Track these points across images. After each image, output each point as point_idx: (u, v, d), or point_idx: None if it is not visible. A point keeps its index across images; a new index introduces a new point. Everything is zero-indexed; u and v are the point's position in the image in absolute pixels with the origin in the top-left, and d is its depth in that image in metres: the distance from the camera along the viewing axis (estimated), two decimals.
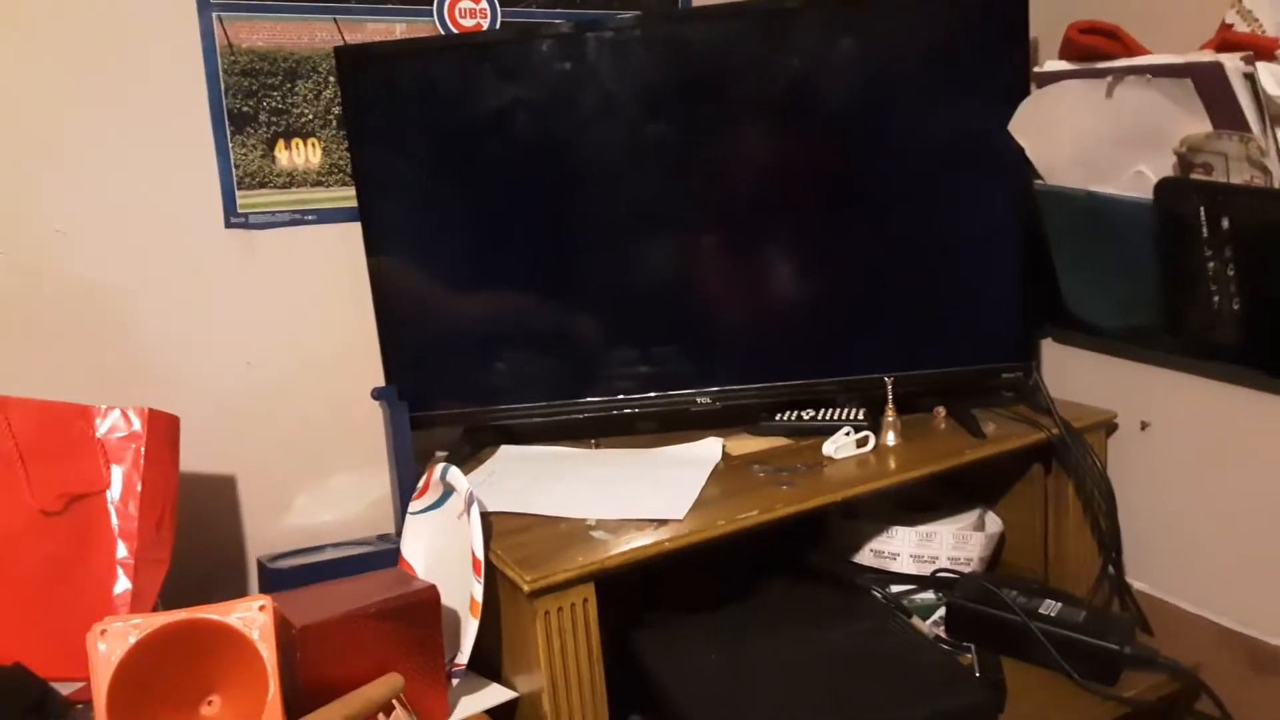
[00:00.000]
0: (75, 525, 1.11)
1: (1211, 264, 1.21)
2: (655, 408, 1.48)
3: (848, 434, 1.38)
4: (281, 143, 1.41)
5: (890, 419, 1.39)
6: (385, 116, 1.41)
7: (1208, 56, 1.14)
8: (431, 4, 1.48)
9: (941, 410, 1.48)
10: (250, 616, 0.96)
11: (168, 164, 1.33)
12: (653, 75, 1.41)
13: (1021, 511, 1.54)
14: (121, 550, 1.11)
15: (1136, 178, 1.27)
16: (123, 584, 1.10)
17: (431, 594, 1.09)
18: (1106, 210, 1.31)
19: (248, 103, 1.38)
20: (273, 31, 1.38)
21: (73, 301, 1.29)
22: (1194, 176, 1.20)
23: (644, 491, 1.27)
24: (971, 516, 1.50)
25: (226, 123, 1.37)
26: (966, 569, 1.44)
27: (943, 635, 1.38)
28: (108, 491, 1.13)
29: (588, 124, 1.42)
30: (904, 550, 1.43)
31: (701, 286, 1.49)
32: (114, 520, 1.12)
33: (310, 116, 1.42)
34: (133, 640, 0.92)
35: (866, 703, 1.16)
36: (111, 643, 0.92)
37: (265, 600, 0.96)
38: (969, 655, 1.34)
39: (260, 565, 1.33)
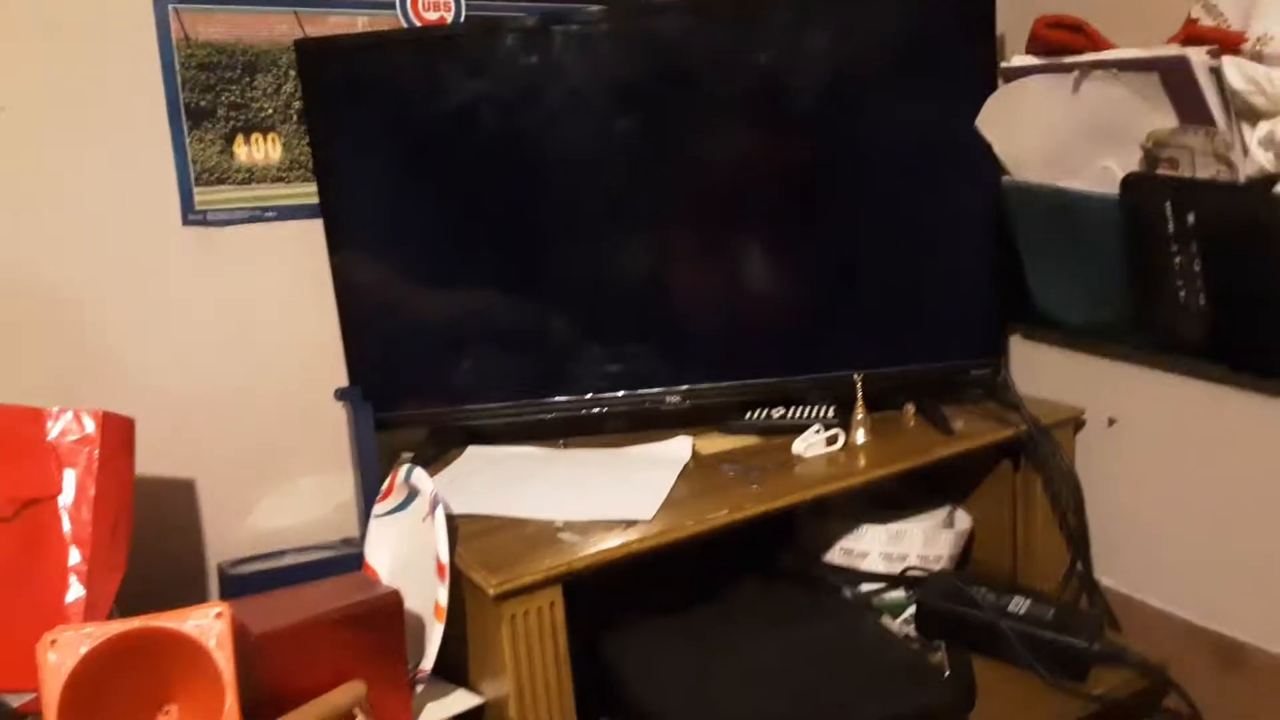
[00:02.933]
0: (26, 531, 1.07)
1: (1177, 259, 1.21)
2: (624, 407, 1.47)
3: (818, 432, 1.37)
4: (240, 138, 1.38)
5: (860, 416, 1.38)
6: (347, 111, 1.39)
7: (1174, 51, 1.14)
8: None
9: (911, 407, 1.47)
10: (206, 624, 0.93)
11: (122, 159, 1.30)
12: (620, 69, 1.40)
13: (990, 508, 1.54)
14: (74, 557, 1.08)
15: (1103, 173, 1.27)
16: (75, 591, 1.07)
17: (394, 599, 1.07)
18: (1073, 205, 1.31)
19: (205, 97, 1.35)
20: (231, 24, 1.35)
21: (22, 299, 1.25)
22: (1160, 171, 1.20)
23: (612, 492, 1.26)
24: (941, 514, 1.50)
25: (184, 117, 1.33)
26: (936, 567, 1.44)
27: (913, 634, 1.38)
28: (60, 497, 1.09)
29: (554, 118, 1.40)
30: (874, 549, 1.43)
31: (670, 284, 1.47)
32: (66, 526, 1.09)
33: (270, 111, 1.40)
34: (84, 650, 0.89)
35: (837, 702, 1.15)
36: (62, 652, 0.89)
37: (222, 607, 0.94)
38: (939, 653, 1.33)
39: (220, 571, 1.30)
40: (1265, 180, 1.10)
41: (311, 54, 1.37)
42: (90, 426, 1.12)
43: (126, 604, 1.10)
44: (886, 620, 1.38)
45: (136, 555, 1.13)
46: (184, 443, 1.36)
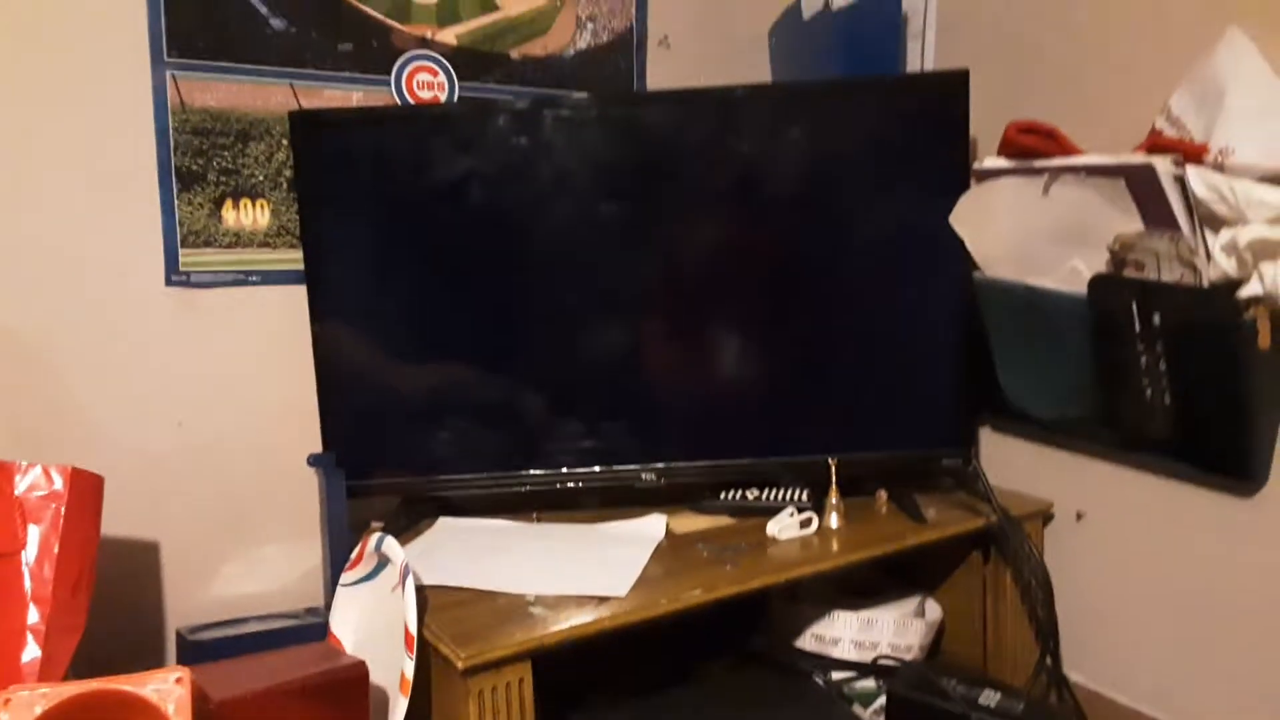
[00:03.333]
0: None
1: (1143, 358, 1.25)
2: (599, 483, 1.46)
3: (791, 515, 1.38)
4: (230, 202, 1.39)
5: (834, 501, 1.39)
6: (337, 182, 1.41)
7: (1140, 159, 1.19)
8: (389, 74, 1.49)
9: (883, 494, 1.49)
10: (166, 689, 0.90)
11: (109, 217, 1.31)
12: (605, 155, 1.43)
13: (960, 599, 1.55)
14: (33, 615, 1.05)
15: (1071, 272, 1.31)
16: (32, 651, 1.04)
17: (359, 670, 1.05)
18: (1042, 303, 1.35)
19: (197, 161, 1.37)
20: (227, 92, 1.38)
21: None
22: (1126, 273, 1.24)
23: (585, 568, 1.25)
24: (912, 603, 1.50)
25: (174, 179, 1.35)
26: (907, 656, 1.43)
27: None
28: (23, 553, 1.06)
29: (539, 199, 1.43)
30: (845, 635, 1.42)
31: (648, 364, 1.49)
32: (27, 583, 1.06)
33: (261, 178, 1.42)
34: (39, 711, 0.86)
35: None
36: (16, 713, 0.86)
37: (182, 672, 0.91)
38: None
39: (179, 636, 1.27)
40: (1228, 285, 1.14)
41: (305, 125, 1.40)
42: (59, 483, 1.09)
43: (80, 667, 1.07)
44: (857, 710, 1.37)
45: (95, 616, 1.10)
46: (151, 502, 1.34)
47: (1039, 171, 1.32)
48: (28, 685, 0.88)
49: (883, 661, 1.41)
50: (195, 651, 1.22)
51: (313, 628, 1.26)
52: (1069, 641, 1.45)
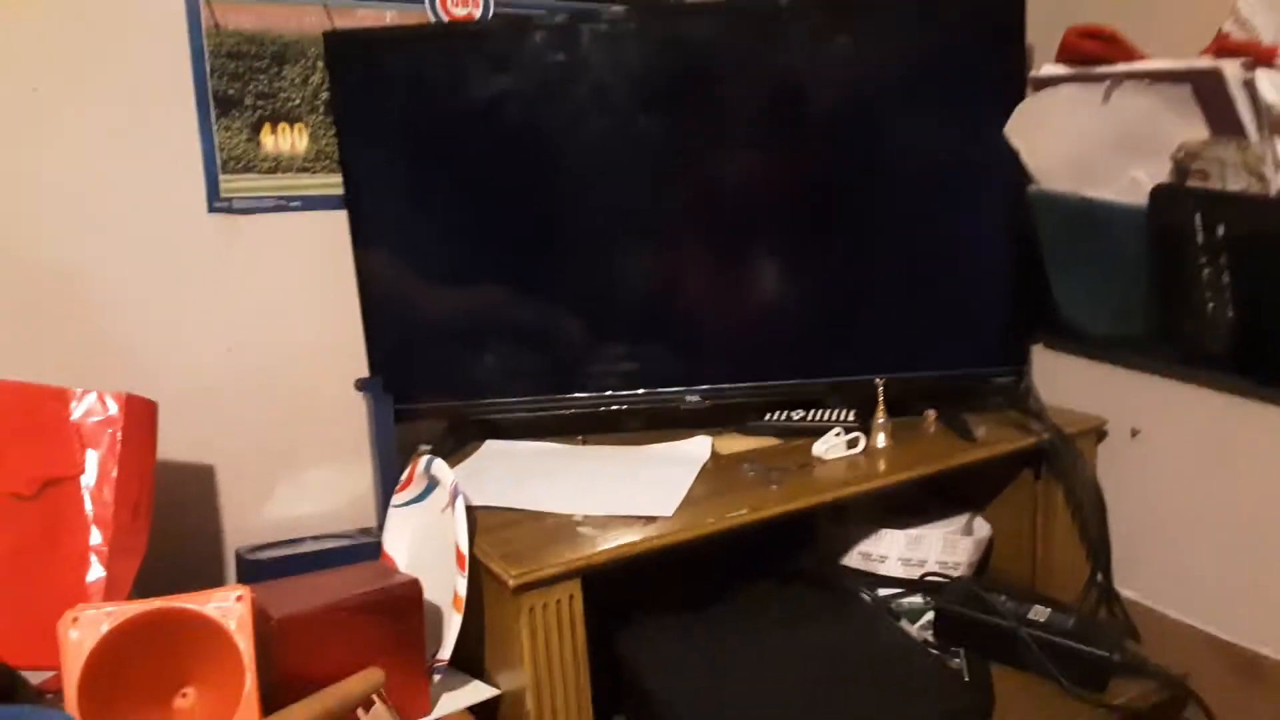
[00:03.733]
0: (47, 510, 1.07)
1: (1206, 271, 1.21)
2: (643, 405, 1.46)
3: (838, 435, 1.37)
4: (268, 127, 1.38)
5: (880, 421, 1.38)
6: (374, 104, 1.39)
7: (1207, 62, 1.14)
8: None
9: (932, 414, 1.47)
10: (227, 607, 0.93)
11: (149, 145, 1.30)
12: (646, 69, 1.40)
13: (1010, 517, 1.54)
14: (95, 537, 1.08)
15: (1131, 183, 1.26)
16: (96, 571, 1.07)
17: (414, 588, 1.07)
18: (1100, 216, 1.31)
19: (234, 85, 1.35)
20: (260, 14, 1.36)
21: (49, 283, 1.26)
22: (1190, 183, 1.20)
23: (632, 489, 1.25)
24: (960, 521, 1.49)
25: (211, 105, 1.34)
26: (955, 573, 1.43)
27: (931, 640, 1.37)
28: (82, 476, 1.09)
29: (579, 117, 1.40)
30: (892, 553, 1.42)
31: (691, 285, 1.47)
32: (88, 506, 1.09)
33: (298, 101, 1.40)
34: (105, 629, 0.90)
35: (854, 706, 1.14)
36: (84, 631, 0.89)
37: (243, 590, 0.94)
38: (957, 660, 1.32)
39: (238, 556, 1.30)
40: None
41: (339, 46, 1.38)
42: (114, 408, 1.12)
43: (144, 587, 1.10)
44: (905, 625, 1.38)
45: (155, 539, 1.14)
46: (204, 428, 1.36)
47: (1099, 78, 1.27)
48: (94, 604, 0.91)
49: (930, 579, 1.41)
50: (254, 570, 1.25)
51: (367, 547, 1.28)
52: (1121, 558, 1.44)
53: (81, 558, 1.07)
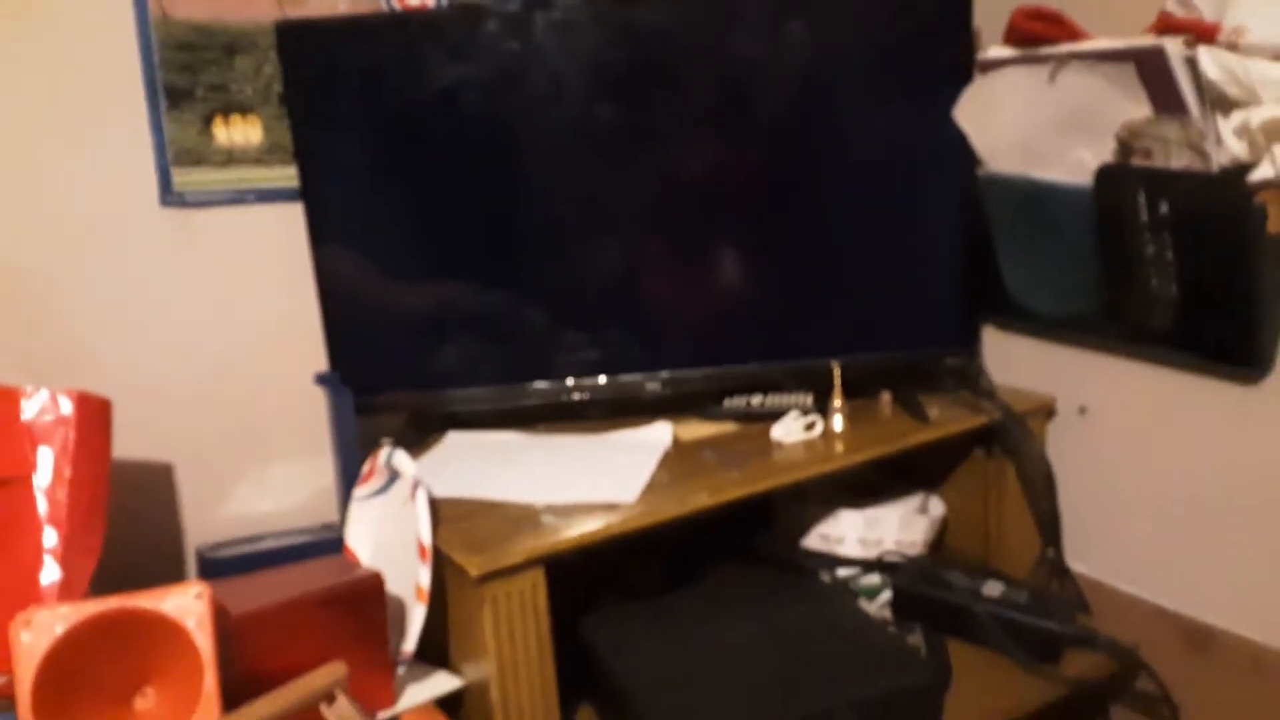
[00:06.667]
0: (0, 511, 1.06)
1: (1150, 248, 1.23)
2: (604, 394, 1.47)
3: (796, 418, 1.38)
4: (220, 119, 1.37)
5: (837, 404, 1.39)
6: (328, 95, 1.38)
7: (1150, 40, 1.16)
8: None
9: (887, 395, 1.49)
10: (186, 604, 0.92)
11: (98, 137, 1.28)
12: (600, 58, 1.40)
13: (964, 496, 1.56)
14: (50, 538, 1.07)
15: (1077, 164, 1.28)
16: (51, 573, 1.06)
17: (376, 580, 1.07)
18: (1047, 196, 1.33)
19: (184, 76, 1.33)
20: (210, 3, 1.34)
21: None
22: (1134, 162, 1.22)
23: (594, 476, 1.26)
24: (915, 500, 1.51)
25: (161, 96, 1.32)
26: (912, 552, 1.46)
27: (889, 617, 1.39)
28: (35, 476, 1.08)
29: (535, 107, 1.40)
30: (850, 534, 1.44)
31: (649, 272, 1.48)
32: (42, 506, 1.07)
33: (250, 93, 1.38)
34: (60, 630, 0.88)
35: (816, 683, 1.16)
36: (37, 633, 0.88)
37: (201, 587, 0.93)
38: (915, 637, 1.35)
39: (199, 555, 1.29)
40: (1238, 169, 1.12)
41: (293, 37, 1.36)
42: (66, 407, 1.10)
43: (102, 588, 1.09)
44: (863, 603, 1.40)
45: (112, 539, 1.12)
46: (161, 426, 1.35)
47: (1045, 59, 1.29)
48: (48, 606, 0.90)
49: (888, 558, 1.44)
50: (214, 568, 1.24)
51: (328, 542, 1.28)
52: (1072, 534, 1.47)
53: (36, 559, 1.06)
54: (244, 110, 1.38)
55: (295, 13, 1.39)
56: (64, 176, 1.27)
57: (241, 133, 1.38)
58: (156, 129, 1.32)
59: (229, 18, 1.35)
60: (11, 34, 1.22)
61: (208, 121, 1.36)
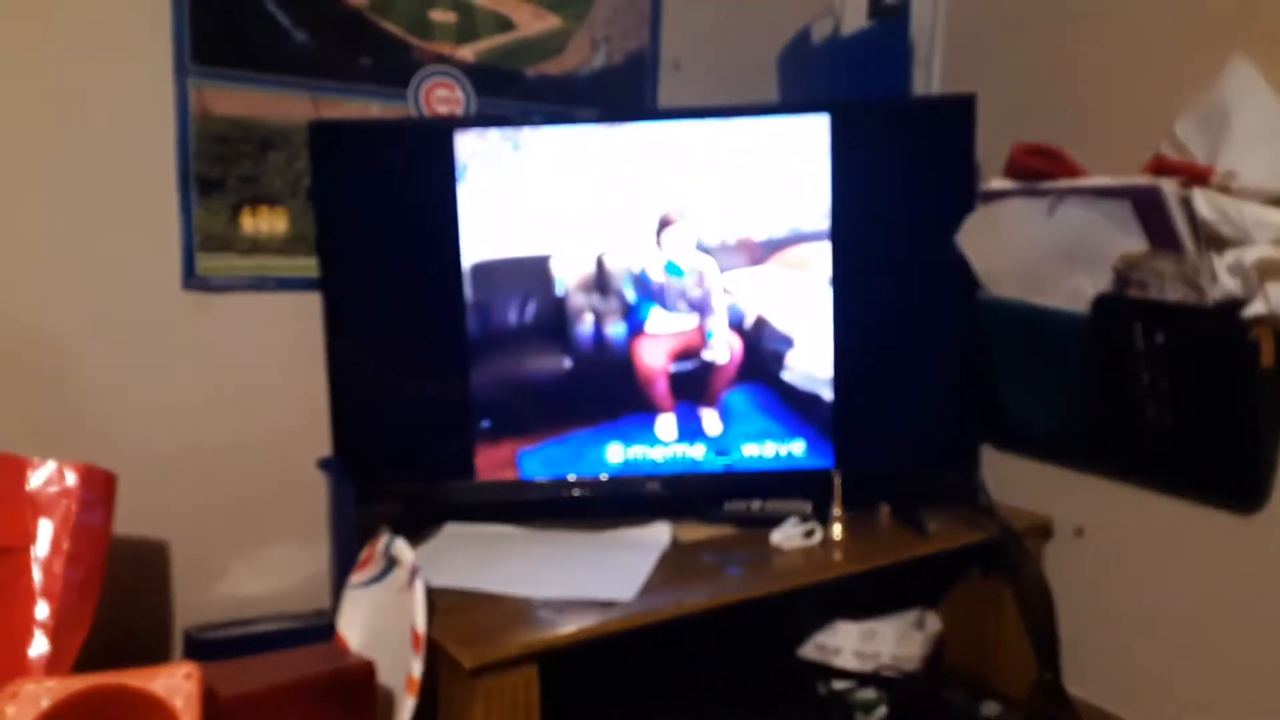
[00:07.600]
0: None
1: (1145, 376, 1.26)
2: (605, 490, 1.47)
3: (795, 525, 1.39)
4: (248, 209, 1.41)
5: (837, 513, 1.40)
6: (354, 192, 1.43)
7: (1147, 180, 1.21)
8: (408, 87, 1.51)
9: (886, 508, 1.49)
10: (174, 684, 0.91)
11: (128, 220, 1.33)
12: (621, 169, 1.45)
13: (961, 613, 1.55)
14: (42, 610, 1.06)
15: (1075, 292, 1.32)
16: (40, 646, 1.04)
17: (366, 669, 1.06)
18: (1045, 322, 1.36)
19: (217, 168, 1.38)
20: (249, 101, 1.40)
21: (12, 348, 1.26)
22: (1130, 293, 1.25)
23: (592, 573, 1.26)
24: (913, 615, 1.50)
25: (193, 185, 1.37)
26: (908, 667, 1.44)
27: None
28: (33, 548, 1.07)
29: None
30: (847, 645, 1.43)
31: (653, 377, 1.50)
32: (36, 578, 1.06)
33: (279, 185, 1.43)
34: (45, 704, 0.87)
35: None
36: (22, 707, 0.87)
37: (191, 668, 0.92)
38: None
39: (187, 636, 1.28)
40: (1232, 304, 1.15)
41: (324, 135, 1.42)
42: (71, 479, 1.10)
43: (87, 663, 1.07)
44: (859, 718, 1.37)
45: (105, 614, 1.11)
46: (161, 501, 1.35)
47: (1044, 193, 1.34)
48: (34, 679, 0.89)
49: (885, 673, 1.42)
50: (203, 651, 1.23)
51: (319, 629, 1.27)
52: (1070, 656, 1.45)
53: (25, 630, 1.05)
54: (272, 201, 1.43)
55: (330, 114, 1.45)
56: (93, 252, 1.30)
57: (268, 222, 1.43)
58: (186, 214, 1.37)
59: (266, 114, 1.41)
60: (60, 119, 1.27)
61: (236, 210, 1.40)
